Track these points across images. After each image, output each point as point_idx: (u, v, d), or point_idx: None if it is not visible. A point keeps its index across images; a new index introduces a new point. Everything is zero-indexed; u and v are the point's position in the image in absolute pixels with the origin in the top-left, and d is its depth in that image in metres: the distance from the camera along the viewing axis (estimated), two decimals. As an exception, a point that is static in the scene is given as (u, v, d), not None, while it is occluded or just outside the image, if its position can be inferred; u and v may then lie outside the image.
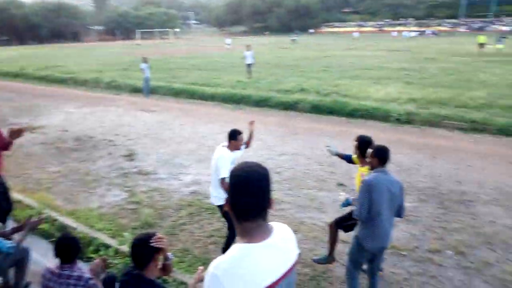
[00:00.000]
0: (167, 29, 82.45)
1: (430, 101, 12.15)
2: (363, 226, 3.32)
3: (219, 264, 1.41)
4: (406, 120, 10.66)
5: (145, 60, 15.88)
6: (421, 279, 4.00)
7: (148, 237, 2.47)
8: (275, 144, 8.90)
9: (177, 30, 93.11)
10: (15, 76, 23.65)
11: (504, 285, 3.84)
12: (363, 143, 3.88)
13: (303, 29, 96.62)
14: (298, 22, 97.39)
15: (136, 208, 5.80)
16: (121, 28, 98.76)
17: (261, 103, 13.53)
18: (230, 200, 1.49)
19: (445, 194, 6.04)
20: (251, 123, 4.74)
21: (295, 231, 4.95)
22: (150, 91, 16.29)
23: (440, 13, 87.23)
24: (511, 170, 7.02)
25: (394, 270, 4.16)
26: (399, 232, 4.82)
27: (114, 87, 18.22)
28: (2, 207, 4.56)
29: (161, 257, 2.53)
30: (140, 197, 6.16)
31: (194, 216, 5.51)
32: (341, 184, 6.52)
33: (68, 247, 2.88)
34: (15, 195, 5.67)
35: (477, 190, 6.16)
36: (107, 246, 4.56)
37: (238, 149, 4.55)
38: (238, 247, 1.46)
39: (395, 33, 58.08)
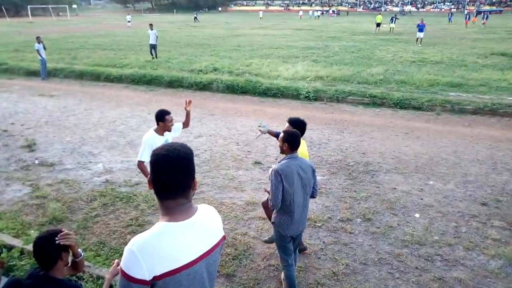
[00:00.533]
0: (63, 5, 74.89)
1: (335, 78, 12.95)
2: (279, 214, 3.29)
3: (137, 240, 1.41)
4: (315, 97, 11.26)
5: (38, 40, 14.34)
6: (335, 247, 4.33)
7: (52, 234, 2.25)
8: (192, 126, 8.75)
9: (75, 6, 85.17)
10: None
11: (405, 245, 4.33)
12: (294, 126, 3.69)
13: (212, 7, 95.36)
14: (206, 0, 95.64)
15: (42, 203, 5.33)
16: (8, 4, 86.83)
17: (174, 83, 13.17)
18: (152, 178, 1.49)
19: (352, 166, 6.58)
20: (188, 102, 4.36)
21: (215, 212, 5.02)
22: (49, 73, 14.80)
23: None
24: (407, 140, 7.87)
25: (310, 241, 4.44)
26: (313, 205, 5.13)
27: (5, 70, 16.18)
28: None
29: (69, 254, 2.34)
30: (45, 190, 5.66)
31: (108, 207, 5.24)
32: (258, 162, 6.70)
33: None
34: None
35: (379, 160, 6.81)
36: (10, 248, 4.15)
37: (168, 130, 4.27)
38: (158, 225, 1.46)
39: (301, 13, 60.07)
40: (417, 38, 21.95)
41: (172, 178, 1.45)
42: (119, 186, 5.86)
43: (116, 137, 8.09)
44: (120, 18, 62.00)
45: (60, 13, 75.96)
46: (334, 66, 14.88)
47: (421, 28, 21.56)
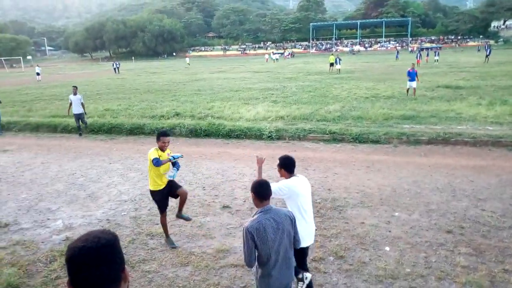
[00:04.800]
0: (17, 57, 73.43)
1: (295, 117, 13.31)
2: (257, 271, 3.10)
3: None
4: (277, 136, 11.46)
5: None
6: None
7: None
8: (155, 173, 8.60)
9: (29, 57, 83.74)
10: None
11: (379, 281, 4.34)
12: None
13: (170, 54, 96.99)
14: (164, 47, 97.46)
15: (-6, 269, 4.91)
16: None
17: (135, 130, 12.99)
18: (72, 280, 1.24)
19: (320, 203, 6.63)
20: (259, 161, 4.04)
21: (185, 264, 4.85)
22: (2, 127, 14.19)
23: (293, 37, 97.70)
24: (369, 173, 8.10)
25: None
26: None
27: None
28: None
29: None
30: (-1, 254, 5.25)
31: (70, 266, 4.91)
32: (226, 206, 6.61)
33: None
34: None
35: (345, 195, 6.92)
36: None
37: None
38: None
39: (267, 56, 61.99)
40: (408, 89, 16.97)
41: (92, 273, 1.21)
42: (81, 243, 5.54)
43: (76, 190, 7.74)
44: (76, 68, 61.43)
45: (14, 65, 74.18)
46: (293, 106, 15.34)
47: (413, 77, 16.67)
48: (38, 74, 37.25)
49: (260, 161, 3.99)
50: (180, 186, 5.47)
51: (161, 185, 5.25)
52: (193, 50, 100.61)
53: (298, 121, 12.75)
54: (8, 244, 5.57)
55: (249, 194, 6.85)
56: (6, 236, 5.86)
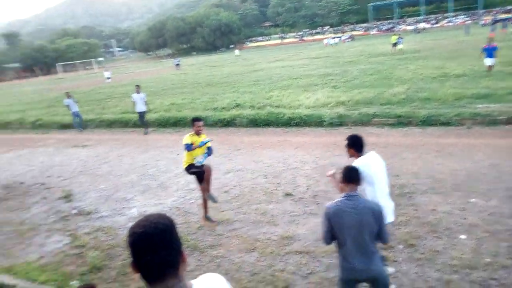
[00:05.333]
0: (89, 60, 79.38)
1: (357, 101, 12.89)
2: (339, 252, 3.05)
3: None
4: (339, 123, 11.21)
5: (68, 95, 15.17)
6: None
7: None
8: (220, 162, 8.86)
9: (101, 59, 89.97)
10: None
11: (455, 271, 4.09)
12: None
13: (228, 47, 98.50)
14: (222, 40, 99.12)
15: (81, 252, 5.44)
16: (39, 63, 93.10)
17: (199, 123, 13.44)
18: (132, 261, 1.31)
19: (385, 188, 6.39)
20: (332, 180, 3.85)
21: (250, 250, 4.97)
22: (79, 124, 15.46)
23: (351, 19, 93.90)
24: (440, 158, 7.63)
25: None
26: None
27: (41, 125, 17.06)
28: None
29: None
30: (84, 239, 5.78)
31: (145, 251, 5.27)
32: (288, 194, 6.63)
33: None
34: None
35: (414, 181, 6.60)
36: (53, 300, 4.21)
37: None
38: None
39: (326, 41, 60.61)
40: (490, 66, 15.02)
41: (154, 258, 1.27)
42: (154, 229, 5.91)
43: (148, 180, 8.25)
44: (142, 66, 64.87)
45: (87, 67, 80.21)
46: (355, 90, 14.85)
47: (490, 53, 14.88)
48: (108, 78, 38.52)
49: (333, 179, 3.82)
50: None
51: (193, 163, 5.82)
52: (250, 41, 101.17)
53: (360, 106, 12.34)
54: (91, 230, 6.12)
55: (311, 182, 6.84)
56: (89, 223, 6.44)
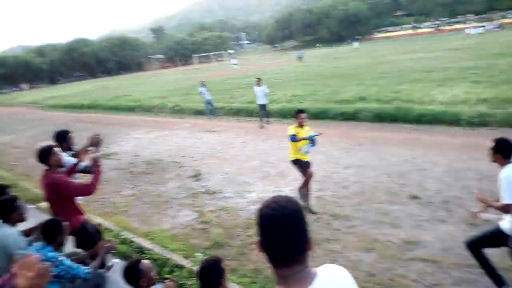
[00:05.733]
0: (221, 52, 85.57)
1: (504, 100, 11.14)
2: None
3: None
4: (480, 122, 9.89)
5: (202, 84, 16.54)
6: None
7: (215, 262, 2.65)
8: (340, 157, 8.69)
9: (231, 51, 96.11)
10: (89, 107, 25.87)
11: None
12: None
13: (353, 38, 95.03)
14: (348, 31, 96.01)
15: (206, 228, 5.92)
16: (179, 54, 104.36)
17: (320, 115, 13.35)
18: (262, 241, 1.32)
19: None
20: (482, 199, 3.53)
21: (368, 250, 4.75)
22: (211, 112, 16.73)
23: (502, 5, 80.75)
24: None
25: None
26: None
27: (178, 111, 19.11)
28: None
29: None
30: (208, 216, 6.29)
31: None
32: (415, 197, 6.13)
33: None
34: (95, 218, 6.06)
35: None
36: (181, 267, 4.67)
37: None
38: None
39: (468, 30, 54.33)
40: None
41: (284, 242, 1.26)
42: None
43: (268, 168, 8.54)
44: (268, 58, 67.15)
45: (219, 59, 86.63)
46: (503, 86, 12.87)
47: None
48: (235, 64, 42.29)
49: (483, 199, 3.41)
50: (310, 167, 6.08)
51: (301, 159, 5.99)
52: (379, 32, 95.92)
53: (508, 105, 10.67)
54: (216, 209, 6.61)
55: (443, 186, 6.20)
56: (214, 201, 6.97)
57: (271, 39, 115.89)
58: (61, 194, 3.98)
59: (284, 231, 1.26)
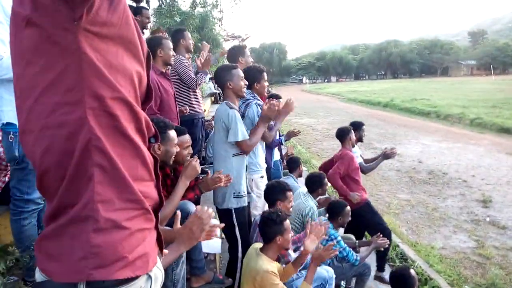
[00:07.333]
0: None
1: None
2: None
3: None
4: None
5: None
6: None
7: None
8: None
9: None
10: (384, 106, 26.74)
11: None
12: None
13: None
14: None
15: (484, 263, 5.11)
16: (497, 62, 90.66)
17: None
18: None
19: None
20: None
21: None
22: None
23: None
24: None
25: None
26: None
27: (478, 124, 16.94)
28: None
29: None
30: (490, 252, 5.38)
31: None
32: None
33: None
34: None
35: None
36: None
37: None
38: None
39: None
40: None
41: None
42: None
43: None
44: None
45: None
46: None
47: None
48: None
49: None
50: None
51: None
52: None
53: None
54: (501, 246, 5.57)
55: None
56: (501, 237, 5.88)
57: None
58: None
59: None
